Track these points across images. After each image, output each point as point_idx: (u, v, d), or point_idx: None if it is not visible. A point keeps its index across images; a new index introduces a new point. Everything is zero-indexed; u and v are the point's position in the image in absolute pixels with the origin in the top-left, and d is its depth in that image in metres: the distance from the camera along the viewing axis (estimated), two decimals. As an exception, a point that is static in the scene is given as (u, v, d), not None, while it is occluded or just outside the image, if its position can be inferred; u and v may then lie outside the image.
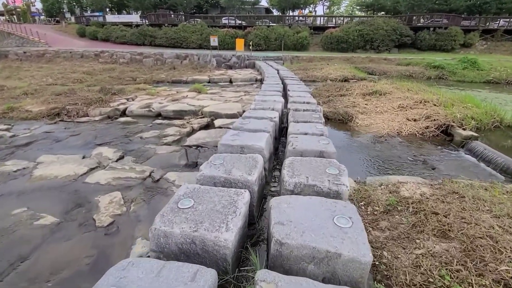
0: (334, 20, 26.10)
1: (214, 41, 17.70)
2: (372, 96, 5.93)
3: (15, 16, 35.41)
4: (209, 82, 11.61)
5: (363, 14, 30.60)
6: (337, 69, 11.78)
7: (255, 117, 3.36)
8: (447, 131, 3.98)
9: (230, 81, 11.53)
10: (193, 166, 3.30)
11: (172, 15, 28.10)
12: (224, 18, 27.35)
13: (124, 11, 34.77)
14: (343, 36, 21.27)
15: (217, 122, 4.98)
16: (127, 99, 7.02)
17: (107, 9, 34.31)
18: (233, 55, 16.72)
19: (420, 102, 4.86)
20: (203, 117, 5.46)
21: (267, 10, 35.98)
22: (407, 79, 10.81)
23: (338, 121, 4.77)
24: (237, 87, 9.75)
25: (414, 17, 23.30)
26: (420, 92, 5.83)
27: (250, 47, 18.09)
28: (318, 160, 2.00)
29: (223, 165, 1.91)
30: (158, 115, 5.70)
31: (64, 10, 33.56)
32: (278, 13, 32.61)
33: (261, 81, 9.28)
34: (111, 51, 18.28)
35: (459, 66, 11.10)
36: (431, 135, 4.00)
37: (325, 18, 27.15)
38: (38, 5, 39.52)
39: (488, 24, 21.89)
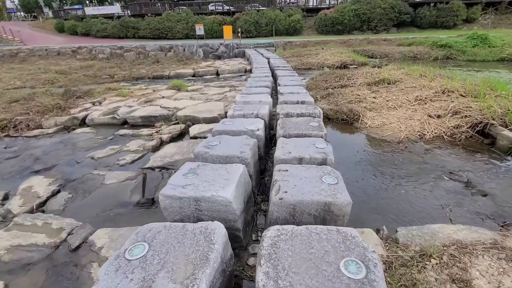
0: (328, 1, 24.59)
1: (199, 29, 16.40)
2: (379, 86, 4.97)
3: (-10, 14, 33.40)
4: (193, 76, 10.54)
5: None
6: (334, 54, 10.71)
7: (230, 132, 2.42)
8: (485, 131, 3.07)
9: (217, 74, 10.47)
10: (149, 204, 2.39)
11: (158, 4, 26.42)
12: (211, 4, 25.74)
13: (106, 2, 32.85)
14: (338, 17, 19.94)
15: (193, 130, 4.04)
16: (93, 103, 6.02)
17: (87, 1, 32.38)
18: (221, 44, 15.51)
19: (443, 92, 3.91)
20: (178, 123, 4.51)
21: (257, -6, 34.10)
22: (412, 61, 9.82)
23: (341, 121, 3.84)
24: (224, 80, 8.71)
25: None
26: (437, 79, 4.87)
27: (239, 34, 16.83)
28: (324, 231, 1.10)
29: (141, 268, 0.98)
30: (124, 123, 4.74)
31: (42, 5, 31.58)
32: (268, -4, 30.86)
33: (251, 71, 8.26)
34: (90, 47, 16.97)
35: (468, 44, 10.07)
36: (463, 137, 3.09)
37: (318, -2, 25.62)
38: (16, 0, 37.31)
39: (491, -4, 20.56)
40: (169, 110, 4.93)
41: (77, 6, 29.30)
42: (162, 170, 3.02)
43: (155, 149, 3.61)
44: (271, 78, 5.21)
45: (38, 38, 22.27)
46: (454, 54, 9.83)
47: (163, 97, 6.14)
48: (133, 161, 3.26)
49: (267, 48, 14.83)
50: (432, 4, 19.79)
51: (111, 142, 3.92)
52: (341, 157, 2.87)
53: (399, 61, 9.72)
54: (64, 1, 33.32)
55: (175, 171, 2.85)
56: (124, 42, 20.33)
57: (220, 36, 19.53)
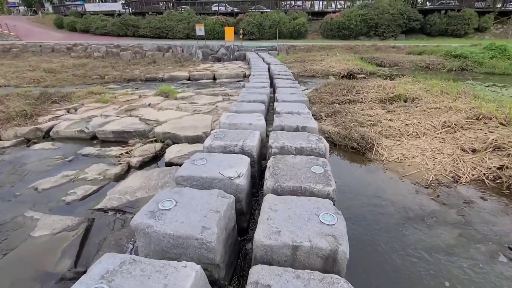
0: (334, 5, 23.91)
1: (200, 30, 15.74)
2: (394, 103, 4.25)
3: (-9, 7, 32.94)
4: (189, 79, 9.86)
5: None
6: (340, 60, 10.00)
7: (199, 179, 1.71)
8: (541, 177, 2.34)
9: (214, 78, 9.78)
10: (78, 275, 1.68)
11: (160, 3, 25.82)
12: (214, 4, 25.12)
13: (109, -1, 32.27)
14: (345, 21, 19.25)
15: (170, 152, 3.33)
16: (68, 110, 5.35)
17: (90, -3, 31.81)
18: (221, 46, 14.84)
19: (477, 119, 3.18)
20: (155, 141, 3.80)
21: (262, -5, 33.47)
22: (425, 71, 9.10)
23: (350, 150, 3.11)
24: (220, 86, 8.01)
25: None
26: (461, 97, 4.15)
27: (241, 36, 16.17)
28: None
29: None
30: (94, 138, 4.04)
31: (42, 0, 31.08)
32: (273, -2, 30.23)
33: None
34: (85, 44, 16.34)
35: (485, 55, 9.33)
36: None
37: (325, 2, 24.92)
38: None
39: (504, 5, 19.82)
40: (147, 124, 4.23)
41: (78, 2, 28.75)
42: (117, 214, 2.31)
43: (118, 178, 2.91)
44: (269, 90, 4.49)
45: (36, 34, 21.69)
46: (470, 65, 9.10)
47: (148, 104, 5.45)
48: (84, 197, 2.55)
49: (269, 51, 14.15)
50: (442, 12, 19.07)
51: (68, 165, 3.21)
52: (349, 207, 2.16)
53: (411, 71, 9.01)
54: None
55: (132, 217, 2.15)
56: (123, 40, 19.73)
57: (222, 37, 18.87)
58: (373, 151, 2.98)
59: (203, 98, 5.77)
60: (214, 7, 24.83)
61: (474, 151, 2.77)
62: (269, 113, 4.45)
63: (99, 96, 6.42)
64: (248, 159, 1.97)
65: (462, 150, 2.79)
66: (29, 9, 31.40)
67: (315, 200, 1.46)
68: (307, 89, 6.44)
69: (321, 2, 24.82)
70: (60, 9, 27.64)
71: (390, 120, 3.52)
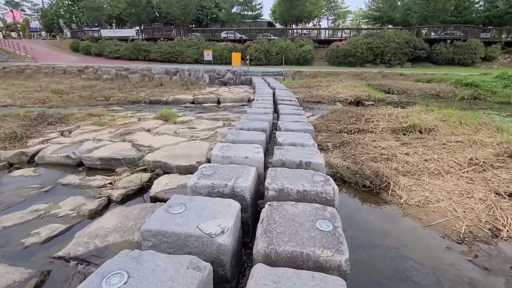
0: (340, 33, 24.51)
1: (208, 55, 16.07)
2: (409, 134, 3.87)
3: (14, 32, 35.02)
4: (193, 102, 9.75)
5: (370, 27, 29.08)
6: (347, 87, 9.82)
7: (171, 235, 1.32)
8: None
9: (218, 102, 9.65)
10: None
11: (173, 30, 26.96)
12: (223, 32, 26.08)
13: (125, 26, 34.01)
14: (351, 49, 19.51)
15: (158, 184, 2.96)
16: (62, 132, 5.12)
17: (106, 24, 33.66)
18: (228, 70, 15.00)
19: (509, 156, 2.76)
20: (145, 170, 3.46)
21: (270, 24, 34.85)
22: (435, 99, 8.79)
23: (362, 188, 2.70)
24: (223, 110, 7.82)
25: (426, 30, 21.52)
26: (483, 129, 3.75)
27: (248, 62, 16.41)
28: None
29: None
30: (80, 164, 3.73)
31: (62, 26, 32.94)
32: (280, 27, 31.39)
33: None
34: (96, 67, 16.80)
35: (498, 84, 9.03)
36: None
37: (331, 31, 25.63)
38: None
39: (510, 35, 19.92)
40: (139, 150, 3.92)
41: (96, 28, 30.31)
42: (80, 265, 1.90)
43: (94, 215, 2.53)
44: (271, 116, 4.19)
45: (51, 56, 22.61)
46: (482, 94, 8.77)
47: (147, 130, 5.19)
48: (47, 240, 2.16)
49: (275, 76, 14.20)
50: (448, 41, 19.22)
51: (43, 197, 2.87)
52: (362, 270, 1.71)
53: (421, 99, 8.71)
54: (85, 23, 34.76)
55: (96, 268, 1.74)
56: (134, 64, 20.30)
57: (229, 62, 19.24)
58: (389, 191, 2.56)
59: (203, 123, 5.51)
60: (223, 34, 25.74)
61: (510, 195, 2.32)
62: (272, 141, 4.12)
63: (97, 118, 6.24)
64: (237, 206, 1.58)
65: (497, 194, 2.35)
66: (49, 34, 33.22)
67: (322, 279, 1.05)
68: (312, 115, 6.15)
69: (327, 31, 25.51)
70: (78, 34, 29.09)
71: (406, 154, 3.12)
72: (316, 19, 41.07)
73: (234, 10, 29.61)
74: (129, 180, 3.13)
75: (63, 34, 32.18)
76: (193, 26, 30.51)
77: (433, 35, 21.26)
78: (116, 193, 2.83)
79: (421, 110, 4.99)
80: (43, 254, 2.02)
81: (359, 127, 4.42)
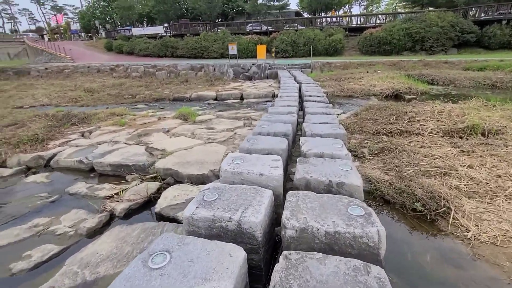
0: (374, 20, 22.67)
1: (233, 49, 15.73)
2: (468, 138, 3.12)
3: (57, 35, 37.71)
4: (216, 99, 9.48)
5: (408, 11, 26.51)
6: (383, 78, 8.84)
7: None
8: None
9: (241, 98, 9.27)
10: None
11: (199, 25, 27.05)
12: (249, 24, 25.53)
13: (155, 23, 34.93)
14: (386, 36, 17.90)
15: (166, 197, 2.64)
16: (83, 134, 5.08)
17: (138, 23, 34.81)
18: (253, 64, 14.53)
19: None
20: (155, 177, 3.18)
21: (297, 14, 33.49)
22: (490, 90, 7.53)
23: (410, 212, 2.11)
24: (246, 107, 7.42)
25: (474, 10, 18.96)
26: None
27: (273, 54, 15.76)
28: None
29: None
30: (92, 169, 3.56)
31: (98, 27, 34.76)
32: (308, 16, 29.96)
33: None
34: (126, 65, 17.30)
35: None
36: None
37: (363, 17, 23.82)
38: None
39: None
40: (152, 155, 3.65)
41: (127, 28, 31.47)
42: (62, 304, 1.62)
43: (92, 234, 2.27)
44: (296, 116, 3.67)
45: (87, 56, 23.89)
46: (554, 83, 7.31)
47: (167, 130, 4.95)
48: (37, 266, 1.92)
49: (302, 69, 13.43)
50: (504, 22, 16.75)
51: (48, 209, 2.69)
52: None
53: (472, 90, 7.51)
54: (118, 23, 36.30)
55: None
56: (162, 60, 20.67)
57: (255, 56, 18.73)
58: (450, 220, 1.95)
59: (222, 123, 5.14)
60: (249, 27, 25.21)
61: None
62: (296, 145, 3.61)
63: (118, 118, 6.18)
64: (241, 257, 1.14)
65: None
66: (86, 34, 35.29)
67: None
68: (343, 112, 5.48)
69: (359, 18, 23.76)
70: (111, 34, 30.43)
71: (469, 167, 2.43)
72: (346, 6, 38.69)
73: (260, 1, 28.83)
74: (136, 191, 2.85)
75: (98, 35, 33.97)
76: (219, 20, 30.34)
77: (483, 16, 18.70)
78: (119, 207, 2.55)
79: (479, 106, 4.11)
80: (27, 285, 1.77)
81: (401, 127, 3.73)
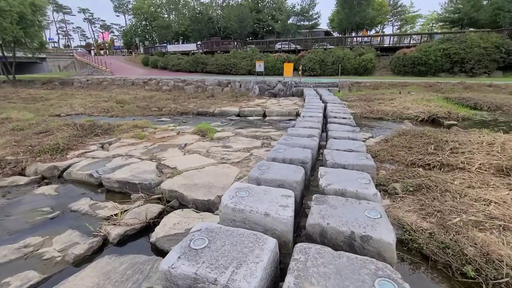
0: (408, 40, 21.83)
1: (260, 66, 15.85)
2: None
3: (103, 50, 41.24)
4: (238, 115, 9.38)
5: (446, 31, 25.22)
6: (417, 100, 8.17)
7: None
8: None
9: (264, 115, 9.07)
10: None
11: (230, 43, 28.04)
12: (278, 43, 25.90)
13: (189, 41, 36.92)
14: (421, 56, 17.00)
15: (164, 225, 2.39)
16: (102, 145, 5.12)
17: (174, 41, 37.00)
18: (279, 82, 14.43)
19: None
20: (159, 198, 2.97)
21: (327, 33, 33.49)
22: (550, 119, 6.55)
23: (458, 278, 1.63)
24: (268, 125, 7.17)
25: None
26: None
27: (300, 72, 15.60)
28: None
29: None
30: (101, 184, 3.45)
31: (137, 43, 37.53)
32: (338, 35, 29.80)
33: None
34: (158, 79, 18.14)
35: None
36: None
37: (396, 37, 23.06)
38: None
39: None
40: (161, 173, 3.48)
41: (164, 45, 33.51)
42: None
43: (80, 262, 2.06)
44: (317, 141, 3.31)
45: (125, 70, 25.61)
46: None
47: (183, 146, 4.83)
48: (10, 298, 1.73)
49: (329, 88, 13.03)
50: (560, 43, 15.15)
51: (45, 226, 2.57)
52: None
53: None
54: (157, 40, 38.87)
55: None
56: (192, 75, 21.44)
57: (282, 73, 18.75)
58: (516, 296, 1.44)
59: (240, 142, 4.90)
60: (277, 46, 25.54)
61: None
62: (315, 172, 3.23)
63: (140, 130, 6.23)
64: None
65: None
66: (127, 50, 38.19)
67: None
68: (372, 137, 4.99)
69: (392, 38, 23.04)
70: (149, 50, 32.56)
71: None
72: (379, 26, 38.03)
73: (290, 21, 29.31)
74: (137, 213, 2.64)
75: (137, 51, 36.57)
76: (249, 38, 31.23)
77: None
78: (114, 232, 2.34)
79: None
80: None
81: (441, 160, 3.20)
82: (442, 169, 3.08)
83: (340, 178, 2.08)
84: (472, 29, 20.49)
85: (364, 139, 4.79)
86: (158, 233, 2.28)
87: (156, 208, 2.73)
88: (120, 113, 10.42)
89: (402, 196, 2.48)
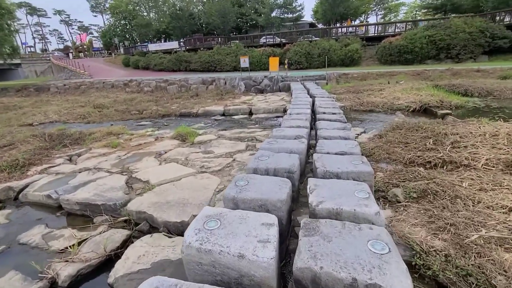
0: (393, 28, 21.71)
1: (244, 62, 15.36)
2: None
3: (82, 53, 39.63)
4: (223, 114, 8.93)
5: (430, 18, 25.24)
6: (407, 90, 7.93)
7: None
8: None
9: (250, 113, 8.67)
10: None
11: (213, 40, 27.31)
12: (262, 37, 25.35)
13: (171, 39, 35.84)
14: (407, 44, 16.88)
15: (127, 259, 1.97)
16: (70, 157, 4.61)
17: (155, 39, 35.85)
18: (265, 77, 14.01)
19: None
20: (127, 221, 2.54)
21: (312, 25, 33.09)
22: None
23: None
24: (254, 124, 6.78)
25: (504, 15, 17.51)
26: None
27: (286, 66, 15.20)
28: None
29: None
30: (61, 207, 2.99)
31: (116, 43, 36.17)
32: (323, 27, 29.46)
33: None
34: (139, 80, 17.39)
35: None
36: None
37: (381, 26, 22.91)
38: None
39: None
40: (130, 189, 3.04)
41: (145, 44, 32.38)
42: None
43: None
44: (305, 143, 2.93)
45: (105, 72, 24.56)
46: None
47: (159, 153, 4.38)
48: None
49: (317, 81, 12.71)
50: (541, 25, 15.28)
51: (-20, 269, 2.10)
52: None
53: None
54: (138, 40, 37.57)
55: None
56: (175, 75, 20.72)
57: (268, 68, 18.30)
58: None
59: (223, 145, 4.49)
60: (262, 40, 25.01)
61: None
62: (305, 179, 2.87)
63: (115, 137, 5.73)
64: None
65: None
66: (106, 51, 36.79)
67: None
68: (364, 132, 4.67)
69: (376, 27, 22.89)
70: (129, 51, 31.41)
71: None
72: (363, 16, 37.95)
73: (273, 14, 28.76)
74: (97, 243, 2.21)
75: (117, 51, 35.26)
76: (233, 33, 30.53)
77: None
78: (64, 273, 1.91)
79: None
80: None
81: (443, 156, 2.89)
82: (445, 167, 2.76)
83: (334, 192, 1.71)
84: (455, 15, 20.52)
85: (356, 135, 4.46)
86: (118, 270, 1.87)
87: (120, 235, 2.30)
88: (97, 118, 9.79)
89: (405, 205, 2.14)
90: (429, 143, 3.31)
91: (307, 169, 3.15)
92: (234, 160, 3.73)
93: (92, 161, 4.24)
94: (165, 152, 4.49)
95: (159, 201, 2.61)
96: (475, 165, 2.64)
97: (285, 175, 2.17)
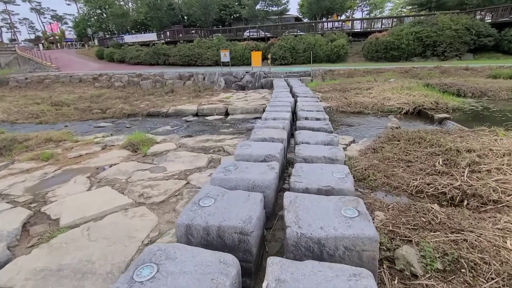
0: (379, 24, 21.23)
1: (225, 56, 14.32)
2: None
3: (54, 44, 36.82)
4: (196, 114, 7.97)
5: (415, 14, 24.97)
6: (397, 89, 7.27)
7: None
8: None
9: (226, 113, 7.75)
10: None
11: (194, 32, 25.89)
12: (246, 31, 24.25)
13: (149, 31, 33.89)
14: (394, 41, 16.41)
15: None
16: (-21, 175, 3.51)
17: (133, 31, 33.81)
18: (246, 72, 13.06)
19: None
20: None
21: (297, 20, 32.24)
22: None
23: None
24: (228, 127, 5.88)
25: (486, 12, 17.38)
26: None
27: (269, 61, 14.32)
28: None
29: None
30: None
31: (90, 34, 33.76)
32: (308, 21, 28.69)
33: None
34: (110, 74, 15.94)
35: None
36: None
37: (367, 21, 22.40)
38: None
39: None
40: (21, 239, 2.07)
41: (121, 36, 30.37)
42: None
43: None
44: (276, 168, 2.07)
45: (76, 64, 22.65)
46: None
47: (102, 169, 3.41)
48: None
49: (301, 77, 11.92)
50: (525, 24, 15.19)
51: None
52: None
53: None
54: (114, 31, 35.30)
55: None
56: (153, 69, 19.31)
57: (250, 63, 17.33)
58: None
59: (180, 159, 3.56)
60: (246, 33, 23.92)
61: None
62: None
63: (53, 145, 4.66)
64: None
65: None
66: (80, 43, 34.31)
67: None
68: (354, 142, 3.88)
69: (363, 22, 22.36)
70: (104, 42, 29.36)
71: None
72: (349, 11, 37.51)
73: (258, 7, 27.64)
74: None
75: (91, 43, 32.95)
76: (216, 26, 29.17)
77: (502, 18, 17.02)
78: None
79: None
80: None
81: (461, 185, 2.13)
82: (466, 202, 2.00)
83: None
84: (440, 12, 20.29)
85: (345, 146, 3.68)
86: None
87: None
88: (52, 118, 8.54)
89: (427, 285, 1.33)
90: (439, 163, 2.55)
91: (280, 199, 2.31)
92: (187, 183, 2.83)
93: (3, 183, 3.20)
94: (110, 167, 3.53)
95: (48, 267, 1.68)
96: (508, 201, 1.89)
97: (236, 236, 1.31)
